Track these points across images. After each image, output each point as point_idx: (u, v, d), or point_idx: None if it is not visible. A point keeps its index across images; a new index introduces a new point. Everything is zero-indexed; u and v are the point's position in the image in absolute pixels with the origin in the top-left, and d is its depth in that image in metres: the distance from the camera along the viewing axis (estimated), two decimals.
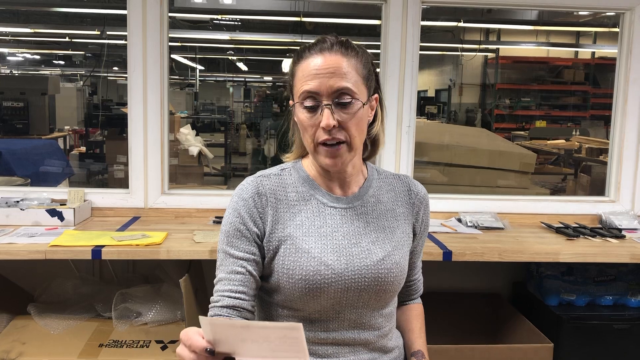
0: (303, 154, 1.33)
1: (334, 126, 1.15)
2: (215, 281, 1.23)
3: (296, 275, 1.17)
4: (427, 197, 1.36)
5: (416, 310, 1.43)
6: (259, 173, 1.29)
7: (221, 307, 1.17)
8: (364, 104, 1.20)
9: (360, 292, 1.20)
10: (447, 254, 1.91)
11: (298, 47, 1.25)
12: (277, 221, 1.22)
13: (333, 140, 1.17)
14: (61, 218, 2.13)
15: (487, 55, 11.73)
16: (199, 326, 0.93)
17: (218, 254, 1.24)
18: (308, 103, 1.18)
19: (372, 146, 1.33)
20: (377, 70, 1.29)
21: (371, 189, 1.30)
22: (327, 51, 1.18)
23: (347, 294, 1.19)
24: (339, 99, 1.16)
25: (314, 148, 1.20)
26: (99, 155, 6.37)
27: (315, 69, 1.17)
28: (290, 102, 1.27)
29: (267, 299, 1.26)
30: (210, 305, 1.22)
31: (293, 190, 1.26)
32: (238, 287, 1.18)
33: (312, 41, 1.23)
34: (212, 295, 1.21)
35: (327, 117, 1.15)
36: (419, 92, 2.48)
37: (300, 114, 1.20)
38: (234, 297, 1.17)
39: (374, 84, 1.25)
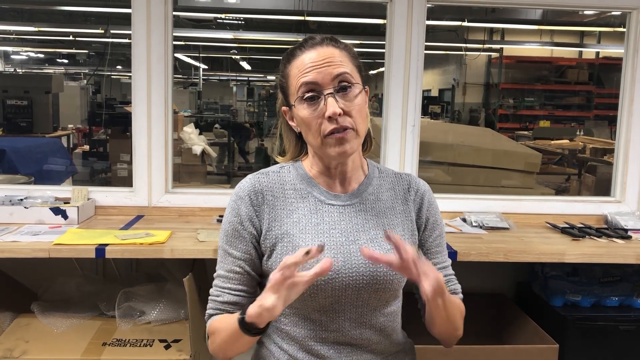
0: (297, 157, 1.32)
1: (339, 114, 1.15)
2: (215, 275, 1.28)
3: None
4: (428, 193, 1.32)
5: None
6: (258, 171, 1.29)
7: (222, 302, 1.23)
8: (363, 88, 1.21)
9: (359, 290, 1.18)
10: (452, 254, 1.90)
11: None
12: (274, 219, 1.22)
13: (340, 128, 1.16)
14: (65, 216, 2.12)
15: (490, 55, 11.73)
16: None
17: (219, 250, 1.28)
18: (309, 95, 1.17)
19: (367, 141, 1.32)
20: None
21: (370, 187, 1.29)
22: (319, 45, 1.20)
23: (346, 292, 1.18)
24: (340, 85, 1.17)
25: (320, 142, 1.18)
26: (103, 154, 6.39)
27: (312, 62, 1.18)
28: (284, 108, 1.28)
29: None
30: (210, 298, 1.27)
31: (291, 187, 1.26)
32: (237, 286, 1.24)
33: (299, 41, 1.24)
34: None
35: (332, 105, 1.15)
36: (422, 91, 2.46)
37: (302, 111, 1.18)
38: (235, 295, 1.23)
39: (363, 77, 1.25)
